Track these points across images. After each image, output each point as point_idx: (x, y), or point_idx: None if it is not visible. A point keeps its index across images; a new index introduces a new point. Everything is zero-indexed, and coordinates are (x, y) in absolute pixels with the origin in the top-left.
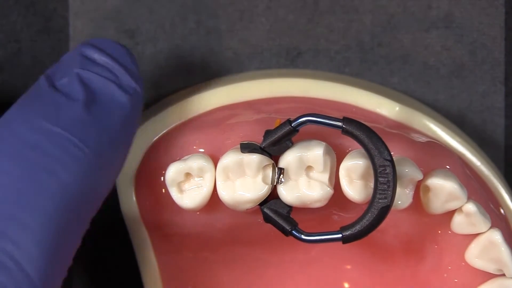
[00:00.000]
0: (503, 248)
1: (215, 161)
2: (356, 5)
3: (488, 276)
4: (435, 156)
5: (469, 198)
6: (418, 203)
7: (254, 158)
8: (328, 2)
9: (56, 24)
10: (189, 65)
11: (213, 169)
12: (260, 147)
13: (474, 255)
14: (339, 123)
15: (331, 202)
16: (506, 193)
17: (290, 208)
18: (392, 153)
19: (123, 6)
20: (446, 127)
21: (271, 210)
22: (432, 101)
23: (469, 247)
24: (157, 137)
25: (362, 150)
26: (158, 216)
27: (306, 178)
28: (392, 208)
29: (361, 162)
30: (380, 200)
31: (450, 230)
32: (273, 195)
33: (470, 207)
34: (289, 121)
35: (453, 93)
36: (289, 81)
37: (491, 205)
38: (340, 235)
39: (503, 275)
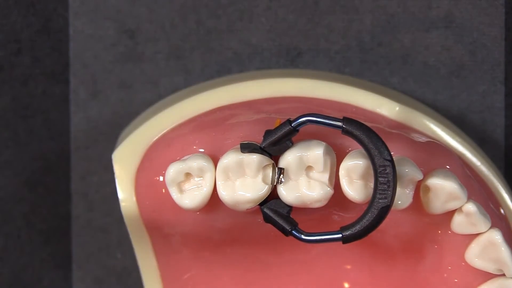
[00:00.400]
0: (503, 248)
1: (215, 161)
2: (356, 5)
3: (488, 276)
4: (435, 156)
5: (469, 198)
6: (418, 203)
7: (254, 158)
8: (328, 2)
9: (56, 24)
10: (189, 65)
11: (213, 169)
12: (260, 147)
13: (474, 255)
14: (339, 123)
15: (331, 202)
16: (506, 193)
17: (290, 208)
18: (392, 153)
19: (123, 6)
20: (446, 127)
21: (271, 210)
22: (432, 101)
23: (469, 247)
24: (157, 137)
25: (362, 150)
26: (158, 216)
27: (306, 178)
28: (392, 208)
29: (361, 162)
30: (380, 200)
31: (450, 230)
32: (273, 195)
33: (470, 207)
34: (289, 121)
35: (453, 93)
36: (289, 81)
37: (491, 205)
38: (340, 235)
39: (503, 275)
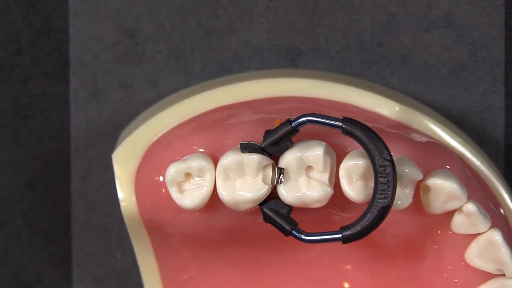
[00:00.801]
0: (503, 248)
1: (215, 161)
2: (356, 5)
3: (488, 276)
4: (435, 156)
5: (469, 198)
6: (418, 203)
7: (254, 158)
8: (328, 2)
9: (56, 24)
10: (189, 65)
11: (213, 169)
12: (260, 147)
13: (474, 255)
14: (339, 123)
15: (331, 202)
16: (506, 193)
17: (290, 208)
18: (392, 153)
19: (123, 6)
20: (446, 127)
21: (271, 210)
22: (432, 101)
23: (469, 247)
24: (157, 137)
25: (362, 150)
26: (158, 216)
27: (306, 178)
28: (392, 208)
29: (361, 162)
30: (380, 200)
31: (450, 230)
32: (273, 195)
33: (470, 207)
34: (289, 121)
35: (453, 93)
36: (289, 81)
37: (491, 205)
38: (340, 235)
39: (503, 275)
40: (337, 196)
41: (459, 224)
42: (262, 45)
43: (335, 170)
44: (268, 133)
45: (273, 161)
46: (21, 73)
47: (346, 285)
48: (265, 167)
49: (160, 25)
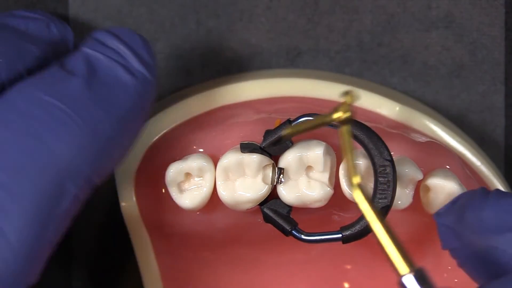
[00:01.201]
0: None
1: (215, 161)
2: (356, 5)
3: None
4: (435, 156)
5: None
6: (418, 203)
7: (254, 158)
8: (328, 2)
9: None
10: (189, 65)
11: (213, 169)
12: (260, 147)
13: None
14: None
15: (331, 202)
16: None
17: (290, 208)
18: (392, 153)
19: (123, 6)
20: (446, 127)
21: (271, 210)
22: (432, 101)
23: None
24: (157, 137)
25: (362, 150)
26: (158, 216)
27: (306, 178)
28: (392, 208)
29: (361, 162)
30: (380, 200)
31: None
32: (273, 195)
33: None
34: (289, 121)
35: (453, 93)
36: (289, 81)
37: None
38: (340, 235)
39: None
40: (337, 196)
41: None
42: (262, 45)
43: (335, 170)
44: (268, 133)
45: (273, 161)
46: None
47: (346, 285)
48: (265, 167)
49: (160, 25)
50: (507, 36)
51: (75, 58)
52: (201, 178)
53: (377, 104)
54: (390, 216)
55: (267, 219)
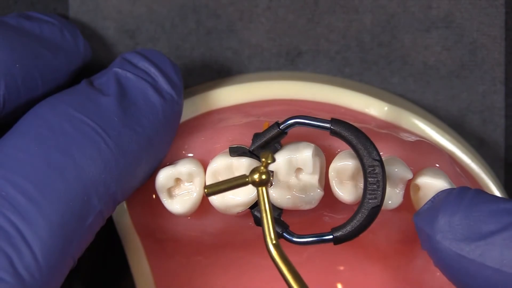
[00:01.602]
0: None
1: (204, 165)
2: (356, 5)
3: None
4: (424, 155)
5: None
6: (409, 202)
7: (243, 162)
8: (328, 2)
9: None
10: (189, 65)
11: (203, 173)
12: (249, 151)
13: None
14: (327, 125)
15: (321, 203)
16: (497, 190)
17: (280, 210)
18: (381, 152)
19: (123, 6)
20: (435, 125)
21: None
22: (432, 101)
23: None
24: None
25: (351, 151)
26: (149, 222)
27: (296, 180)
28: (383, 208)
29: (350, 163)
30: (370, 201)
31: None
32: None
33: None
34: (278, 124)
35: (453, 93)
36: (277, 84)
37: None
38: (331, 236)
39: None
40: (328, 197)
41: None
42: (262, 45)
43: (324, 171)
44: (256, 136)
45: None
46: None
47: (339, 286)
48: None
49: (160, 25)
50: (507, 36)
51: (106, 77)
52: (191, 183)
53: (365, 105)
54: (381, 216)
55: (258, 222)
